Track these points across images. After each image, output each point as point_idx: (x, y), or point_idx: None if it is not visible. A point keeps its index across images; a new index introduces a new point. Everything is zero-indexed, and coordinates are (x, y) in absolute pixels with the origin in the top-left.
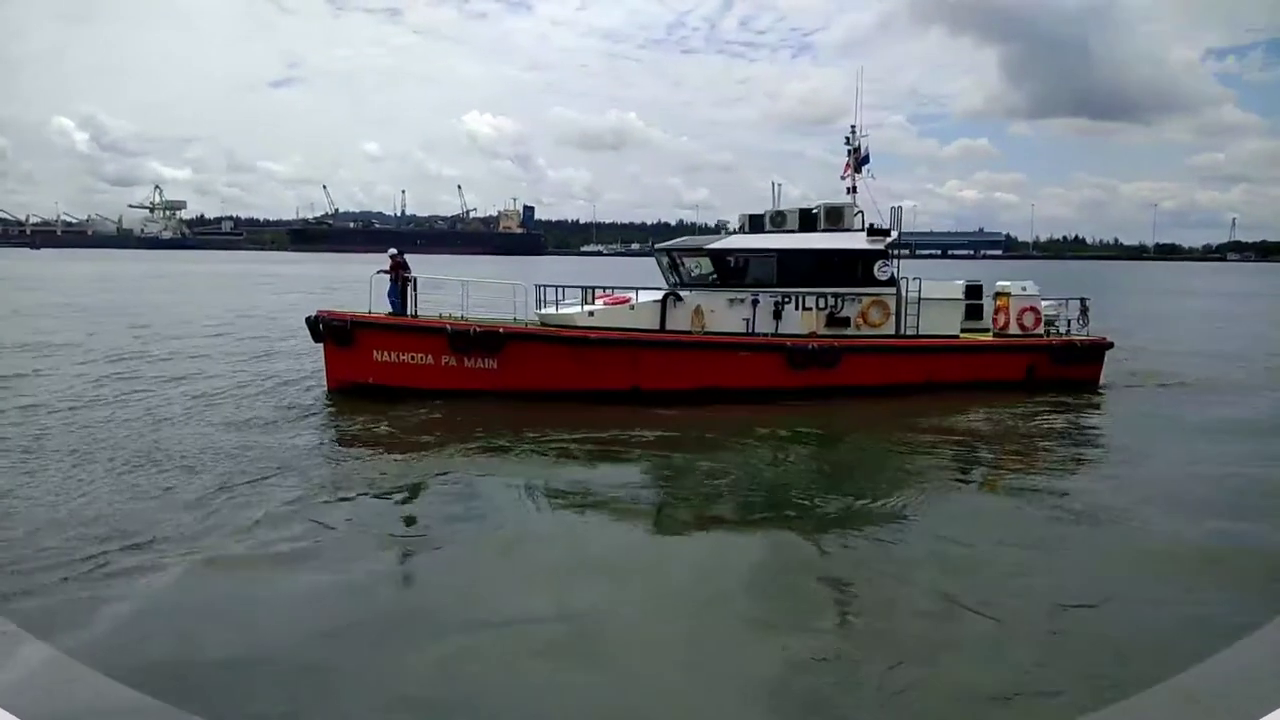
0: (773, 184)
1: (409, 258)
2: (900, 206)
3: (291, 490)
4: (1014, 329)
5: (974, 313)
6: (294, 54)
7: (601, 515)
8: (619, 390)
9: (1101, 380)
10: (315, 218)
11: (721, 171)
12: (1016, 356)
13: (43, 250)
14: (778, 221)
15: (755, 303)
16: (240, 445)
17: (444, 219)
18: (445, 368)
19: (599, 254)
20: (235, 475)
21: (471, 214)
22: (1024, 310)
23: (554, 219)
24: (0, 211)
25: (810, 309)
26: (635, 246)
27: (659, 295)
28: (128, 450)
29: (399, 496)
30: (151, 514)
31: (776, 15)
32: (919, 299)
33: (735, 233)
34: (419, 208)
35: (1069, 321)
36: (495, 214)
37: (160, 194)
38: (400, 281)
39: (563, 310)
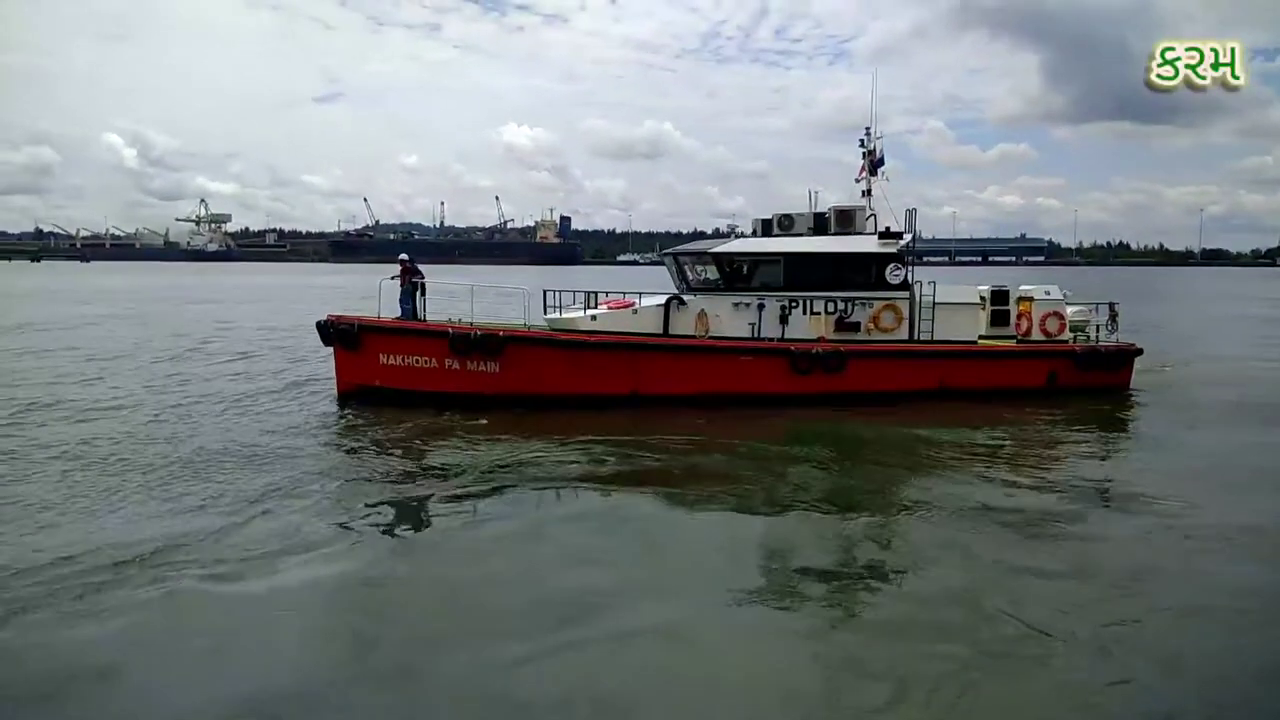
0: (809, 191)
1: (448, 268)
2: (914, 210)
3: (322, 501)
4: (1037, 334)
5: (1001, 319)
6: (335, 70)
7: (626, 515)
8: (618, 395)
9: (1131, 387)
10: (356, 230)
11: (756, 179)
12: (1037, 362)
13: (92, 263)
14: (785, 225)
15: (761, 307)
16: (268, 453)
17: (482, 230)
18: (448, 371)
19: (635, 263)
20: (266, 486)
21: (509, 225)
22: (1047, 315)
23: (590, 229)
24: (52, 226)
25: (819, 313)
26: None
27: (662, 300)
28: (167, 459)
29: (428, 503)
30: (192, 527)
31: (811, 23)
32: (934, 303)
33: (748, 237)
34: (457, 219)
35: (1098, 327)
36: (532, 224)
37: (205, 207)
38: (410, 286)
39: (567, 314)
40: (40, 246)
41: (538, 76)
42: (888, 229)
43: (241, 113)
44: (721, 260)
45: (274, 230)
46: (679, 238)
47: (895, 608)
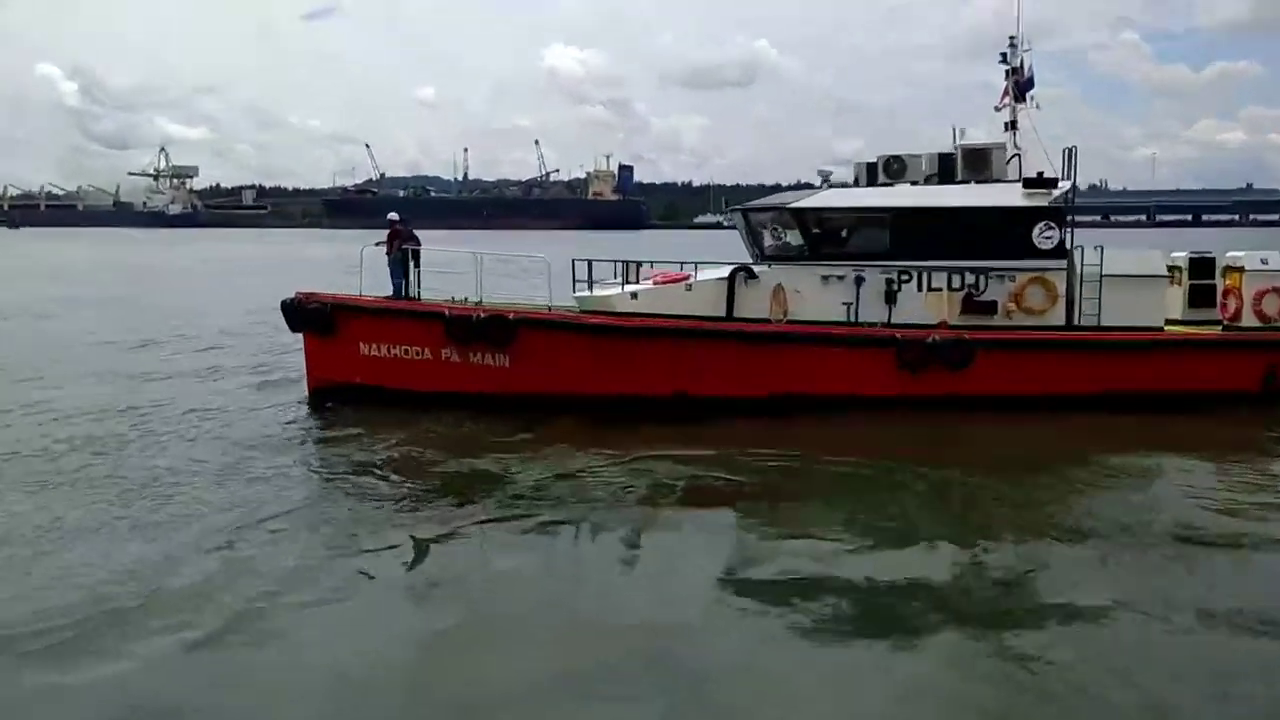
0: (952, 129)
1: (471, 235)
2: (1073, 149)
3: (313, 535)
4: (1249, 319)
5: (1202, 296)
6: None
7: (701, 550)
8: (660, 396)
9: None
10: (356, 185)
11: (881, 115)
12: (1247, 357)
13: (23, 229)
14: (895, 171)
15: (859, 281)
16: (246, 470)
17: (516, 184)
18: (446, 364)
19: (717, 226)
20: (247, 514)
21: (552, 177)
22: (1263, 292)
23: (659, 181)
24: None
25: (939, 290)
26: None
27: (725, 272)
28: (119, 477)
29: (449, 540)
30: (157, 571)
31: None
32: (1100, 276)
33: (845, 187)
34: (485, 170)
35: None
36: (583, 176)
37: (166, 158)
38: (400, 255)
39: (600, 292)
40: None
41: None
42: (1039, 175)
43: (216, 36)
44: (806, 218)
45: (252, 187)
46: (776, 193)
47: (1028, 661)
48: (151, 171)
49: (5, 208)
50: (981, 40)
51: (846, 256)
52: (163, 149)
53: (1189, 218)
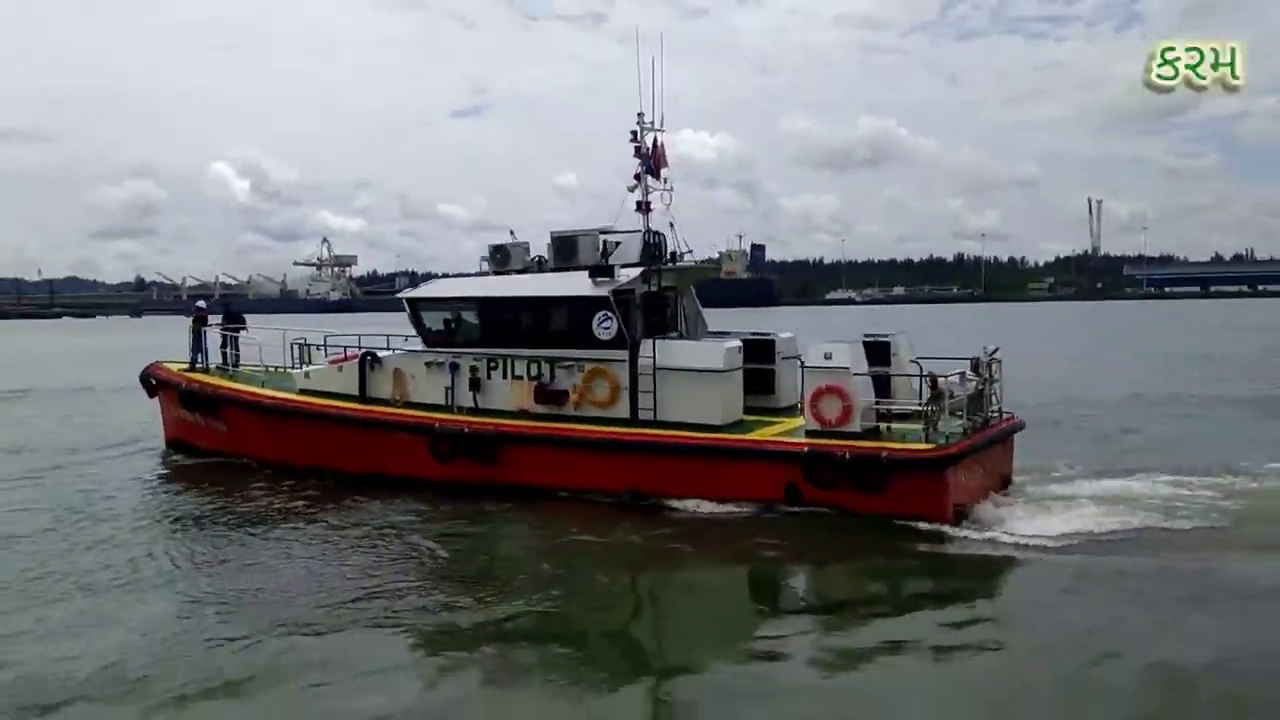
0: (1089, 202)
1: None
2: (660, 235)
3: None
4: (809, 420)
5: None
6: (479, 78)
7: None
8: (309, 467)
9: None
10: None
11: (1020, 188)
12: (767, 467)
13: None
14: (500, 259)
15: (454, 368)
16: None
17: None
18: (191, 424)
19: (850, 302)
20: None
21: (685, 258)
22: (823, 392)
23: (790, 259)
24: (156, 275)
25: (520, 378)
26: (899, 291)
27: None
28: None
29: None
30: None
31: None
32: (653, 369)
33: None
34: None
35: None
36: (715, 256)
37: (328, 248)
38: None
39: (301, 370)
40: (142, 299)
41: (723, 69)
42: (602, 264)
43: (370, 134)
44: (415, 306)
45: (405, 273)
46: (910, 268)
47: None
48: (315, 261)
49: (184, 296)
50: (1122, 114)
51: (453, 344)
52: (324, 240)
53: None
